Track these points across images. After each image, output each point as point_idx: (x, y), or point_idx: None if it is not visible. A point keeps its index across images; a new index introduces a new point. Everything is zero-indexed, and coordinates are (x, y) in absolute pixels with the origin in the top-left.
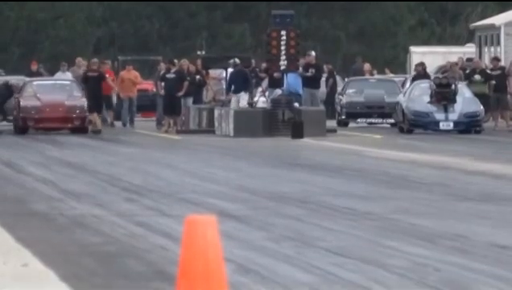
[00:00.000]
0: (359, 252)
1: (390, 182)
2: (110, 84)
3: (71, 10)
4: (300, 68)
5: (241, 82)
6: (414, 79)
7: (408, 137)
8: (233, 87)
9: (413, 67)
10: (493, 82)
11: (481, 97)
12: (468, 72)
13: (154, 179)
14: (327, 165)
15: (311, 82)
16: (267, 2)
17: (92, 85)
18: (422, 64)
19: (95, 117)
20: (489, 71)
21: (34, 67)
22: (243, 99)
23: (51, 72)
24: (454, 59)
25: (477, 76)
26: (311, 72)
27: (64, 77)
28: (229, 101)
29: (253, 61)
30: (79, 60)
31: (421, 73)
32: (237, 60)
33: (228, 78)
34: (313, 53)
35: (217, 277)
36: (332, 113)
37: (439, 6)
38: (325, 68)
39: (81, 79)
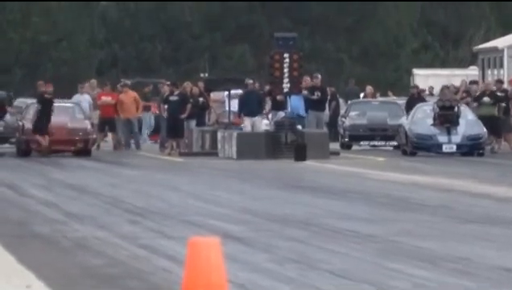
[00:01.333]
0: (362, 274)
1: (393, 204)
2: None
3: (73, 31)
4: (305, 91)
5: (255, 104)
6: (408, 102)
7: (411, 159)
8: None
9: None
10: (503, 104)
11: (489, 119)
12: (477, 94)
13: (157, 201)
14: (330, 187)
15: (316, 105)
16: (269, 24)
17: (47, 107)
18: (416, 87)
19: (42, 138)
20: (498, 93)
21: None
22: (258, 123)
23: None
24: (457, 81)
25: (486, 99)
26: (316, 95)
27: (82, 99)
28: (232, 124)
29: (250, 81)
30: (93, 81)
31: (415, 96)
32: (250, 81)
33: (239, 99)
34: (319, 76)
35: None
36: (335, 135)
37: (442, 28)
38: (328, 90)
39: (37, 100)
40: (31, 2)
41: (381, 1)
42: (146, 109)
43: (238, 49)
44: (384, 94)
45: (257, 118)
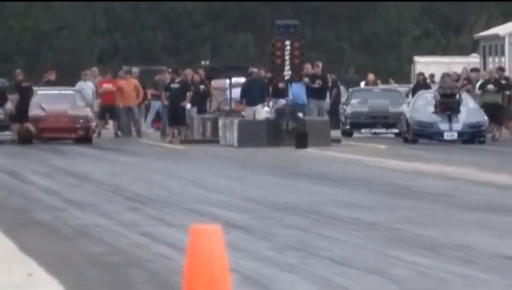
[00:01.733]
0: (363, 262)
1: (394, 192)
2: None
3: (75, 21)
4: (306, 79)
5: (257, 92)
6: (414, 89)
7: (412, 147)
8: (244, 99)
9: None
10: (508, 93)
11: (493, 106)
12: (481, 81)
13: (157, 188)
14: (331, 175)
15: (318, 93)
16: (271, 12)
17: (25, 95)
18: (422, 74)
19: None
20: (503, 81)
21: (51, 76)
22: (259, 112)
23: (56, 82)
24: (458, 69)
25: (491, 86)
26: (318, 83)
27: (85, 87)
28: (233, 112)
29: (254, 70)
30: (94, 69)
31: (421, 83)
32: (255, 70)
33: (242, 87)
34: (320, 64)
35: (223, 287)
36: (336, 123)
37: (443, 17)
38: (329, 78)
39: (15, 87)
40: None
41: (382, 0)
42: (155, 97)
43: (240, 38)
44: (385, 82)
45: (258, 107)
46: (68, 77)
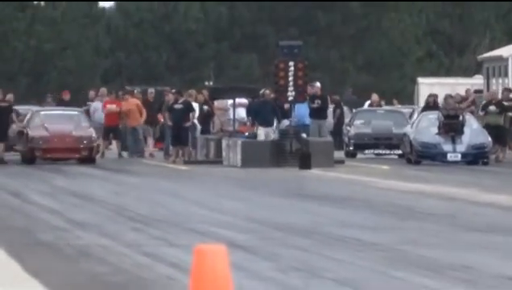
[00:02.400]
0: (366, 283)
1: (398, 213)
2: (14, 119)
3: (78, 41)
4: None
5: (269, 114)
6: (423, 110)
7: (416, 168)
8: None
9: (421, 98)
10: (510, 114)
11: (495, 128)
12: (483, 102)
13: (161, 209)
14: (334, 196)
15: (317, 113)
16: (276, 32)
17: (3, 115)
18: (434, 96)
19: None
20: (505, 102)
21: (66, 96)
22: (272, 133)
23: (68, 103)
24: (462, 90)
25: (493, 108)
26: (317, 103)
27: (99, 107)
28: (237, 133)
29: (266, 91)
30: (103, 89)
31: (430, 104)
32: (267, 91)
33: (252, 108)
34: (318, 84)
35: None
36: (339, 144)
37: (447, 38)
38: (328, 98)
39: None
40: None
41: (388, 0)
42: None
43: (244, 58)
44: (389, 102)
45: (270, 129)
46: (72, 97)
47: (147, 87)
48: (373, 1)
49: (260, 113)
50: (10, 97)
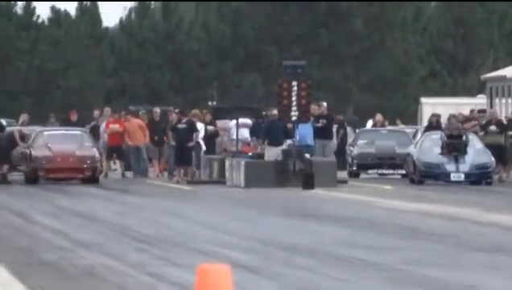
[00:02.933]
0: None
1: (401, 233)
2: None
3: (82, 61)
4: (311, 118)
5: (279, 133)
6: (426, 129)
7: (419, 188)
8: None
9: (424, 118)
10: (511, 133)
11: (496, 148)
12: (484, 122)
13: (164, 229)
14: (337, 216)
15: (322, 133)
16: (279, 52)
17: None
18: (437, 116)
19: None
20: (505, 122)
21: (73, 117)
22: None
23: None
24: (465, 110)
25: (493, 127)
26: (322, 122)
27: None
28: (240, 153)
29: (274, 112)
30: (107, 109)
31: (433, 124)
32: (274, 111)
33: (262, 128)
34: (325, 104)
35: None
36: (343, 164)
37: (450, 57)
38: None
39: None
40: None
41: (392, 0)
42: None
43: (248, 78)
44: (392, 122)
45: (280, 148)
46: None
47: (151, 107)
48: None
49: (271, 133)
50: (24, 117)
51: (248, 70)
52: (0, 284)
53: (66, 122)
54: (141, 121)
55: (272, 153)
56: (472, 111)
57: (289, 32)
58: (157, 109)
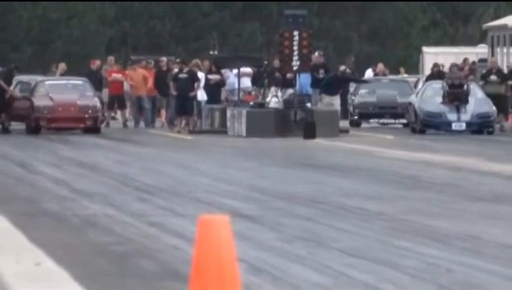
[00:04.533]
0: (371, 252)
1: (402, 182)
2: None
3: (84, 10)
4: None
5: (336, 84)
6: (427, 79)
7: (420, 137)
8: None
9: (425, 67)
10: (510, 83)
11: (496, 97)
12: (484, 72)
13: (166, 178)
14: (339, 165)
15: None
16: (279, 2)
17: None
18: (437, 66)
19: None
20: (505, 71)
21: (93, 66)
22: (336, 102)
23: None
24: (469, 59)
25: (493, 77)
26: (321, 73)
27: None
28: (241, 102)
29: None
30: (110, 58)
31: (435, 74)
32: (342, 67)
33: (318, 80)
34: (316, 53)
35: (231, 277)
36: (344, 113)
37: (452, 7)
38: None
39: None
40: None
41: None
42: None
43: (248, 27)
44: (394, 72)
45: (335, 97)
46: (77, 66)
47: (153, 57)
48: None
49: (331, 86)
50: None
51: (247, 19)
52: (2, 234)
53: (90, 73)
54: (145, 71)
55: (326, 101)
56: (465, 60)
57: None
58: (164, 59)
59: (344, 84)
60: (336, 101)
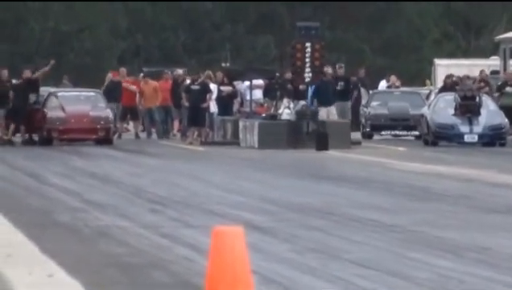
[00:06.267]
0: (383, 264)
1: (415, 194)
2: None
3: (96, 22)
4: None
5: (330, 93)
6: (440, 91)
7: (433, 149)
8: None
9: (438, 79)
10: None
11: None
12: (499, 83)
13: (178, 190)
14: (351, 177)
15: (341, 95)
16: (291, 13)
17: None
18: (450, 77)
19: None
20: None
21: (115, 77)
22: (333, 111)
23: (76, 84)
24: (478, 72)
25: (509, 88)
26: (340, 85)
27: None
28: (254, 114)
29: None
30: (122, 70)
31: (448, 86)
32: (329, 70)
33: (312, 89)
34: (343, 66)
35: (245, 288)
36: (356, 125)
37: (464, 19)
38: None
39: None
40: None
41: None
42: None
43: (261, 39)
44: (406, 84)
45: (331, 107)
46: (89, 78)
47: (165, 69)
48: None
49: (321, 94)
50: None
51: (260, 32)
52: (14, 246)
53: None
54: (156, 83)
55: (321, 113)
56: (481, 72)
57: None
58: (179, 71)
59: (333, 88)
60: (331, 110)
